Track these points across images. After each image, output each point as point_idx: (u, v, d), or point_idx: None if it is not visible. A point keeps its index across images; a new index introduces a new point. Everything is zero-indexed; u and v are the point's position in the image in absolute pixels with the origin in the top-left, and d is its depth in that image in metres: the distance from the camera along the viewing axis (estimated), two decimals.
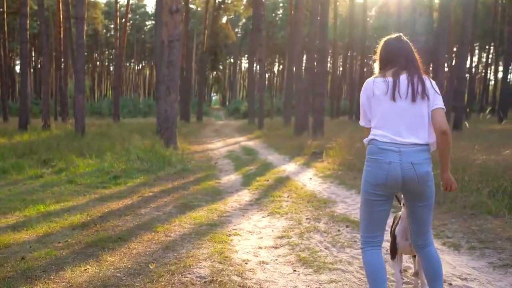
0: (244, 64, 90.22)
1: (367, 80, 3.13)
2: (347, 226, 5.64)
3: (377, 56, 3.18)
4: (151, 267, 4.08)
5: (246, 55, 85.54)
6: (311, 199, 7.37)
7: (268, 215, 6.38)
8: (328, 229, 5.55)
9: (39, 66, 60.41)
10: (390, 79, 2.98)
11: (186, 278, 3.85)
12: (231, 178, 9.96)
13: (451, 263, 4.34)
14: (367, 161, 3.04)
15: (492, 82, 53.61)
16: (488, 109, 22.14)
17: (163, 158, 11.92)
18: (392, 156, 2.91)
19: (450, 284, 3.81)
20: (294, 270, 4.15)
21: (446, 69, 42.47)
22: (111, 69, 71.80)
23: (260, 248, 4.85)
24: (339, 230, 5.48)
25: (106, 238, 5.01)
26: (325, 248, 4.79)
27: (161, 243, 4.86)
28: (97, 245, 4.77)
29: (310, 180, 9.50)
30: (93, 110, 43.74)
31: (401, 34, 3.14)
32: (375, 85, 3.02)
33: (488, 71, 57.07)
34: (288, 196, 7.66)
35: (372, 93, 3.03)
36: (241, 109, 49.75)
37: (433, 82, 3.04)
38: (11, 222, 5.87)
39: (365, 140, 3.12)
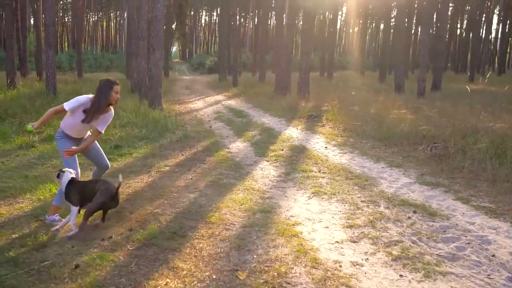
0: (205, 17, 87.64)
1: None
2: (414, 212, 5.15)
3: None
4: (241, 277, 3.45)
5: (205, 7, 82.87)
6: (348, 175, 6.83)
7: (313, 196, 5.81)
8: (397, 216, 5.04)
9: None
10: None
11: None
12: (239, 146, 9.29)
13: None
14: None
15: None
16: (489, 73, 22.02)
17: (156, 122, 11.11)
18: None
19: None
20: (401, 275, 3.62)
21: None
22: (66, 20, 67.77)
23: (338, 242, 4.29)
24: (409, 217, 4.97)
25: (157, 234, 4.31)
26: (413, 243, 4.27)
27: (228, 240, 4.21)
28: (153, 244, 4.08)
29: (326, 149, 8.95)
30: None
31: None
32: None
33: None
34: (319, 171, 7.09)
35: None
36: (206, 63, 48.19)
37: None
38: (28, 209, 5.07)
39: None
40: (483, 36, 43.85)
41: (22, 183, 6.05)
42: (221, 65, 32.47)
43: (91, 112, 4.57)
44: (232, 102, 18.97)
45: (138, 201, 5.42)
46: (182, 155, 8.24)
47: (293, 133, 10.92)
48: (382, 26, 57.70)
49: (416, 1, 35.43)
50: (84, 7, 31.74)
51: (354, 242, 4.31)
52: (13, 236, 4.24)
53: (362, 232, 4.53)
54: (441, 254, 4.03)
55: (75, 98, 4.66)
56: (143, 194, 5.74)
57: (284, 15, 20.96)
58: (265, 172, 7.09)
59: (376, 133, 10.01)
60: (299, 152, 8.58)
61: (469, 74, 31.22)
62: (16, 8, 26.34)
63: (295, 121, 12.95)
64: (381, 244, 4.25)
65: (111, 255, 3.82)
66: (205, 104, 18.26)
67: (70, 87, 19.63)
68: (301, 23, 22.90)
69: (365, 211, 5.18)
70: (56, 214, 4.68)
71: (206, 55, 57.92)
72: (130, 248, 3.99)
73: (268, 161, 7.91)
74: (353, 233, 4.54)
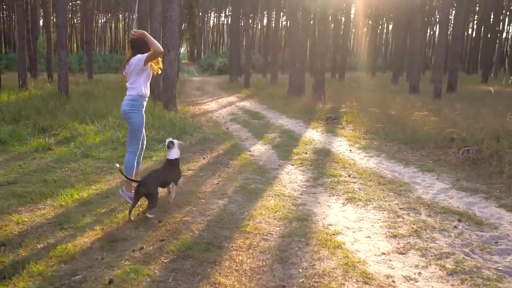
0: (213, 18, 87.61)
1: None
2: (459, 220, 4.84)
3: None
4: None
5: (214, 9, 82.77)
6: (380, 180, 6.53)
7: (347, 202, 5.52)
8: (441, 224, 4.73)
9: None
10: None
11: None
12: (260, 149, 9.00)
13: None
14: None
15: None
16: None
17: (173, 124, 10.86)
18: None
19: None
20: None
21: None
22: (75, 22, 67.82)
23: (384, 254, 4.00)
24: (455, 227, 4.67)
25: (191, 245, 4.03)
26: (466, 255, 3.97)
27: (269, 252, 3.93)
28: (188, 256, 3.80)
29: (351, 152, 8.65)
30: None
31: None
32: None
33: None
34: (349, 176, 6.79)
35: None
36: (215, 64, 47.93)
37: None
38: (50, 216, 4.81)
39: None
40: (496, 36, 43.34)
41: (42, 188, 5.80)
42: (232, 66, 32.19)
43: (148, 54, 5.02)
44: (246, 104, 18.69)
45: (164, 208, 5.15)
46: (204, 158, 7.97)
47: (314, 135, 10.63)
48: (390, 26, 57.26)
49: (427, 2, 35.08)
50: (93, 9, 31.59)
51: (402, 253, 4.02)
52: (38, 246, 3.99)
53: (408, 243, 4.24)
54: (500, 268, 3.73)
55: (129, 69, 5.14)
56: (169, 201, 5.47)
57: (297, 15, 20.58)
58: (292, 177, 6.80)
59: (400, 136, 9.70)
60: (324, 156, 8.29)
61: (482, 75, 30.79)
62: (27, 9, 26.21)
63: (314, 123, 12.65)
64: (431, 256, 3.96)
65: (146, 268, 3.55)
66: (218, 106, 18.00)
67: (82, 88, 19.46)
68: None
69: (406, 220, 4.88)
70: (132, 192, 4.95)
71: (215, 56, 57.68)
72: (165, 261, 3.72)
73: (293, 164, 7.63)
74: (398, 243, 4.24)
